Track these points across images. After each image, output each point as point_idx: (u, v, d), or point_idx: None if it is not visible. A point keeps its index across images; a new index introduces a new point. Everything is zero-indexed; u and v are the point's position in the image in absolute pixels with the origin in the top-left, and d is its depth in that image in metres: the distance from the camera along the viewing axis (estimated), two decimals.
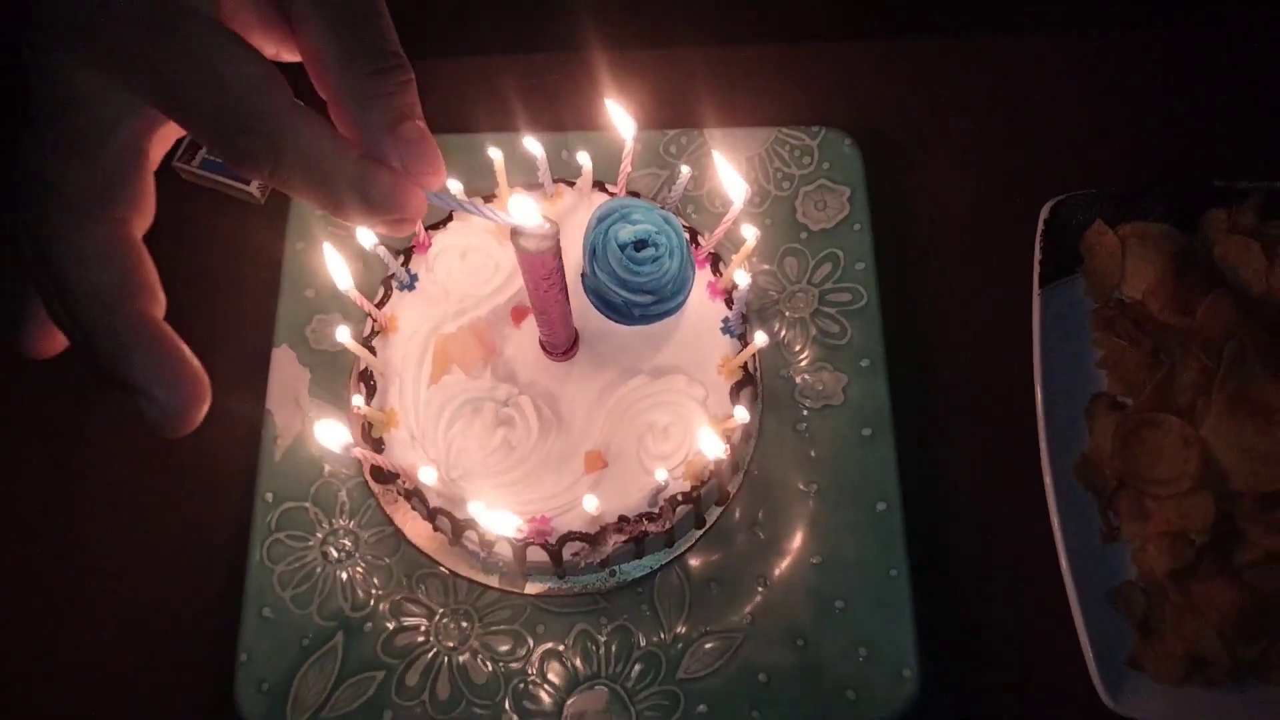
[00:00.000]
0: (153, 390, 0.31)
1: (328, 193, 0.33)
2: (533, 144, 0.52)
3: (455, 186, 0.53)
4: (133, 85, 0.31)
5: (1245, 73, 0.66)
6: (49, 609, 0.56)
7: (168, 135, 0.33)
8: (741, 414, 0.48)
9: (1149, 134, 0.65)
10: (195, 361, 0.33)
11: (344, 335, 0.49)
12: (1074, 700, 0.51)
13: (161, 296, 0.33)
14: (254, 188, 0.64)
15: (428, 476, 0.49)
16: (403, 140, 0.33)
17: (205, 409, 0.33)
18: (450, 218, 0.56)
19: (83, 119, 0.31)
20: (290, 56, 0.35)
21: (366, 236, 0.50)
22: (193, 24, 0.30)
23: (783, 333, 0.59)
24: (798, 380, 0.58)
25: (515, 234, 0.40)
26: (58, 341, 0.34)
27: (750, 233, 0.50)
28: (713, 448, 0.47)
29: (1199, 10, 0.67)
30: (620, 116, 0.51)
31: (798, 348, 0.59)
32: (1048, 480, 0.54)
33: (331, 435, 0.45)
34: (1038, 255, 0.58)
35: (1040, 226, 0.58)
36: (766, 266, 0.60)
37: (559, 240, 0.41)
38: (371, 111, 0.33)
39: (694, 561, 0.55)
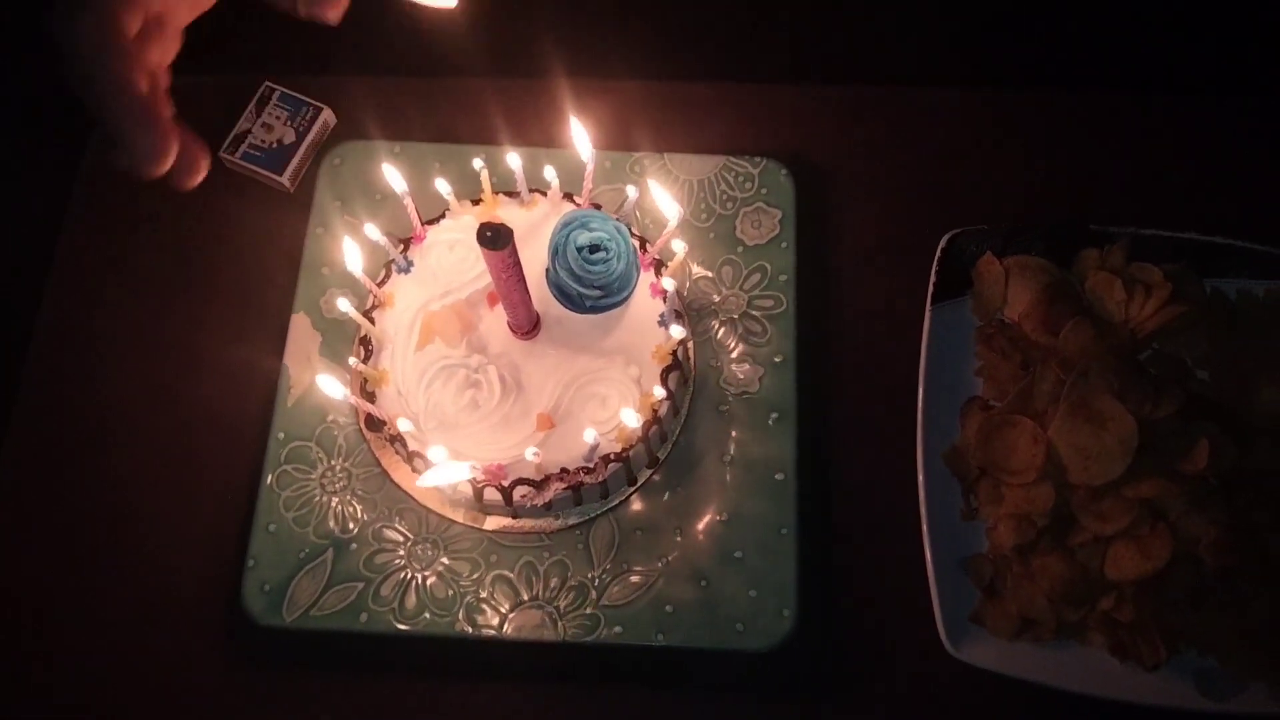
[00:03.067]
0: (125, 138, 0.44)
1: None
2: (513, 159, 0.64)
3: (445, 188, 0.65)
4: None
5: (1126, 131, 0.76)
6: (91, 517, 0.68)
7: None
8: (659, 391, 0.59)
9: (1038, 181, 0.74)
10: (166, 118, 0.45)
11: (345, 305, 0.61)
12: (923, 646, 0.61)
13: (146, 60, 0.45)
14: (285, 179, 0.75)
15: (405, 425, 0.60)
16: None
17: (169, 162, 0.45)
18: (443, 215, 0.67)
19: None
20: None
21: (354, 262, 0.61)
22: None
23: (717, 329, 0.70)
24: (724, 370, 0.69)
25: (480, 233, 0.52)
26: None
27: (680, 246, 0.61)
28: (631, 419, 0.58)
29: (1093, 73, 0.77)
30: (581, 138, 0.62)
31: (729, 343, 0.70)
32: (920, 464, 0.64)
33: (331, 386, 0.57)
34: (933, 277, 0.68)
35: (938, 253, 0.69)
36: (708, 273, 0.71)
37: (514, 241, 0.53)
38: None
39: (625, 512, 0.66)
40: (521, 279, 0.57)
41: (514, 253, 0.54)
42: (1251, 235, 0.68)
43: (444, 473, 0.56)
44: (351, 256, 0.61)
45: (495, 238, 0.52)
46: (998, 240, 0.69)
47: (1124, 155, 0.75)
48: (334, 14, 0.50)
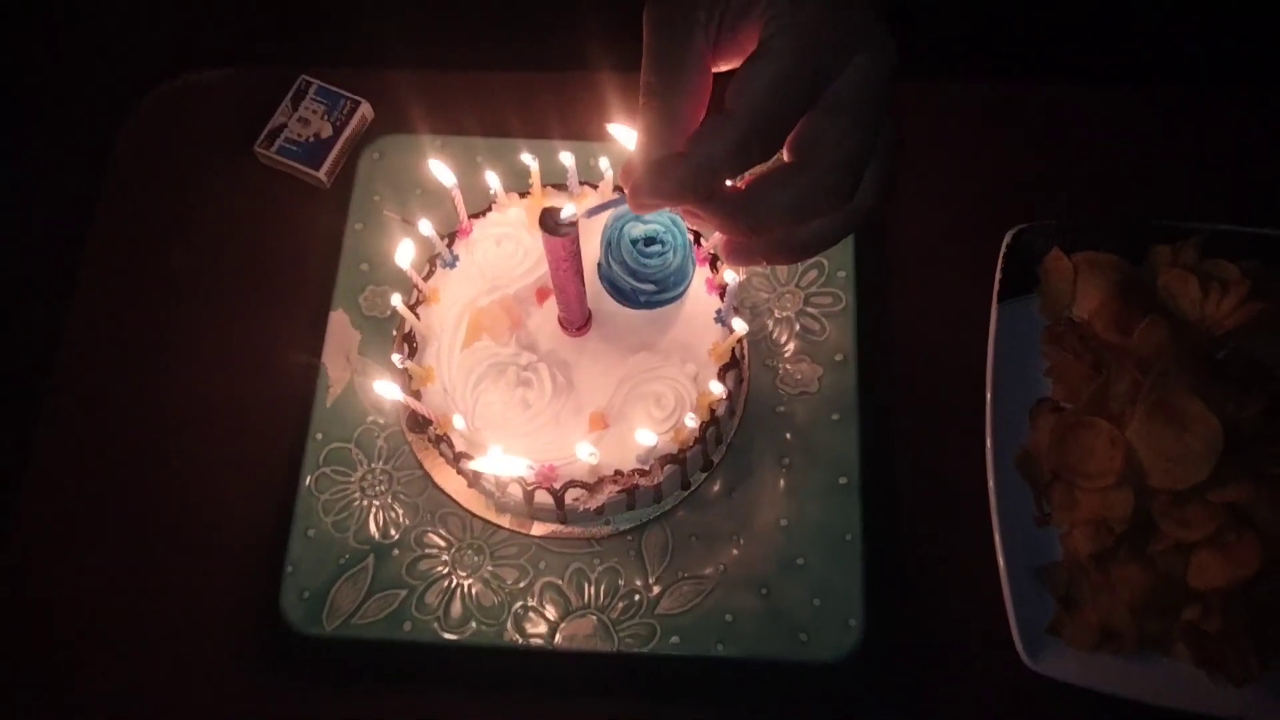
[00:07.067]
0: None
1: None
2: (566, 156, 0.61)
3: (495, 181, 0.62)
4: None
5: (1197, 126, 0.74)
6: (125, 523, 0.65)
7: None
8: (717, 387, 0.57)
9: (1108, 176, 0.72)
10: None
11: (396, 300, 0.59)
12: (998, 659, 0.59)
13: None
14: (322, 173, 0.73)
15: (458, 423, 0.58)
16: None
17: None
18: (490, 208, 0.65)
19: None
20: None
21: (405, 258, 0.59)
22: None
23: (772, 328, 0.68)
24: (780, 370, 0.66)
25: (543, 217, 0.49)
26: None
27: None
28: (691, 420, 0.55)
29: (1158, 68, 0.75)
30: (624, 136, 0.60)
31: (783, 341, 0.67)
32: (990, 468, 0.61)
33: (388, 389, 0.55)
34: (999, 274, 0.66)
35: (1003, 250, 0.66)
36: (762, 270, 0.69)
37: (578, 228, 0.50)
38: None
39: (678, 517, 0.63)
40: (580, 270, 0.55)
41: (576, 241, 0.52)
42: None
43: (501, 463, 0.54)
44: (404, 252, 0.59)
45: (558, 224, 0.49)
46: (1065, 236, 0.67)
47: (1194, 149, 0.73)
48: None
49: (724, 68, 0.42)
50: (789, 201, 0.41)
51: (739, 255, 0.46)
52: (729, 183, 0.42)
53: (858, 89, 0.40)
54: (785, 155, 0.42)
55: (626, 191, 0.43)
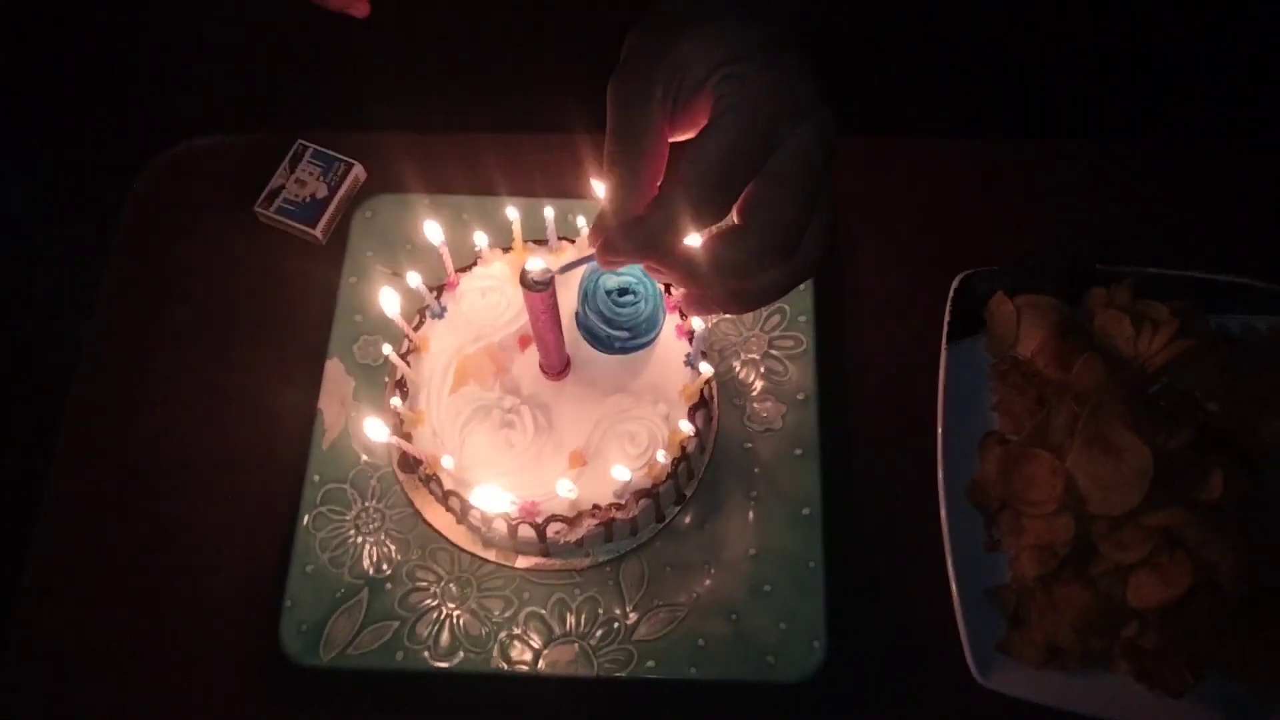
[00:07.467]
0: None
1: None
2: (547, 210, 0.66)
3: (482, 240, 0.67)
4: None
5: (1130, 177, 0.79)
6: (131, 561, 0.69)
7: None
8: (687, 426, 0.61)
9: (1047, 223, 0.77)
10: None
11: (388, 350, 0.63)
12: (951, 676, 0.62)
13: None
14: (318, 231, 0.78)
15: (448, 463, 0.62)
16: None
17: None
18: (475, 263, 0.70)
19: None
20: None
21: (391, 306, 0.63)
22: None
23: (739, 369, 0.72)
24: (747, 408, 0.71)
25: (523, 275, 0.54)
26: None
27: None
28: (662, 456, 0.60)
29: (1093, 122, 0.81)
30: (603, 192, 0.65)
31: (750, 381, 0.72)
32: (942, 498, 0.66)
33: (377, 429, 0.59)
34: (947, 317, 0.71)
35: (951, 294, 0.71)
36: (728, 316, 0.74)
37: (554, 284, 0.55)
38: None
39: (654, 548, 0.67)
40: (558, 320, 0.60)
41: (553, 295, 0.56)
42: (1254, 273, 0.71)
43: (490, 498, 0.58)
44: (388, 301, 0.63)
45: (535, 280, 0.54)
46: (1007, 281, 0.72)
47: (1127, 198, 0.78)
48: (362, 9, 0.53)
49: (680, 138, 0.47)
50: (737, 259, 0.46)
51: (697, 305, 0.51)
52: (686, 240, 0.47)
53: (797, 158, 0.45)
54: (735, 217, 0.47)
55: (595, 249, 0.48)
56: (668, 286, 0.68)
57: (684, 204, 0.44)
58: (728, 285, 0.48)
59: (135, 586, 0.68)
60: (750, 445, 0.70)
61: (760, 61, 0.45)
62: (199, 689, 0.65)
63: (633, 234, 0.46)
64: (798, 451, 0.69)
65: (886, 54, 0.89)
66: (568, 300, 0.65)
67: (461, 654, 0.64)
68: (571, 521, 0.62)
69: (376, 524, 0.68)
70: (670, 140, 0.47)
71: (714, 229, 0.47)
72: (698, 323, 0.63)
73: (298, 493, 0.68)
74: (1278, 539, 0.63)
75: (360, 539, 0.68)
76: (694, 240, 0.47)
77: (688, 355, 0.66)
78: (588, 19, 0.75)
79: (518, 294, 0.67)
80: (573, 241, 0.70)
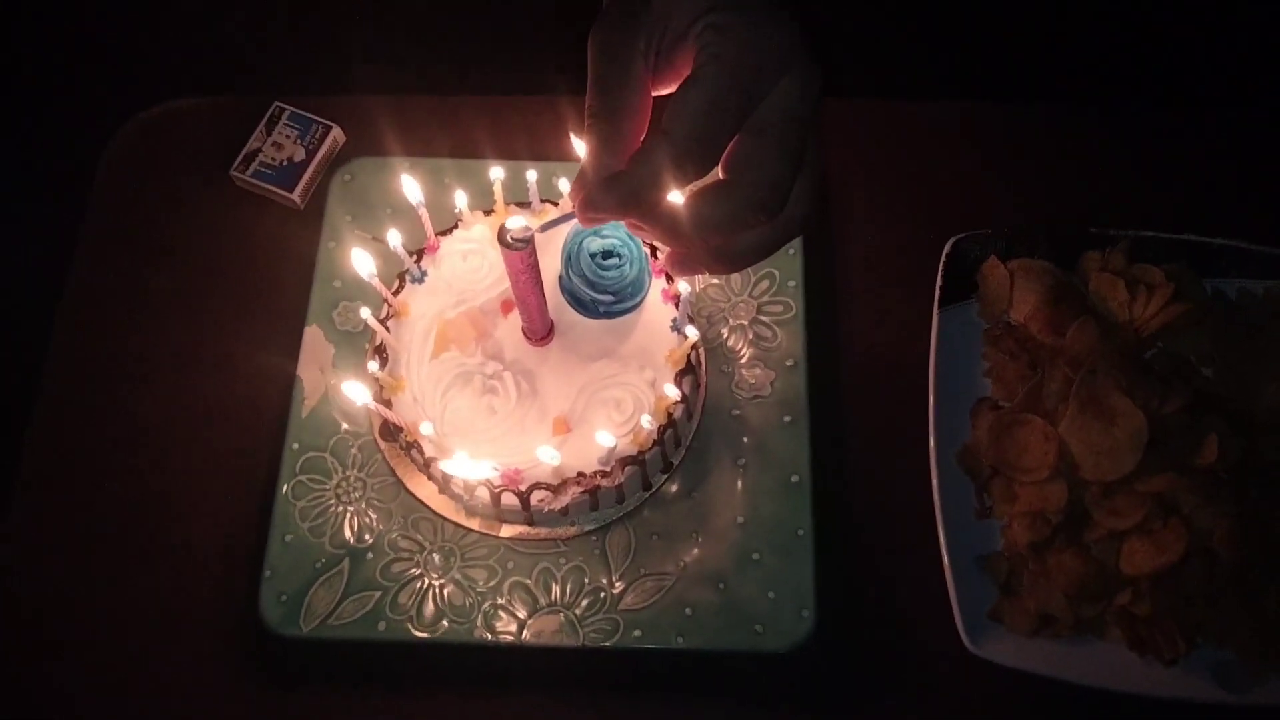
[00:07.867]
0: None
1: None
2: (530, 172, 0.65)
3: (461, 200, 0.66)
4: None
5: (1125, 141, 0.78)
6: (107, 531, 0.68)
7: None
8: (673, 391, 0.60)
9: (1041, 187, 0.76)
10: None
11: (366, 314, 0.62)
12: (942, 645, 0.62)
13: None
14: (296, 195, 0.76)
15: (427, 429, 0.61)
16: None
17: None
18: (456, 225, 0.68)
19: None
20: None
21: (365, 267, 0.62)
22: None
23: (727, 335, 0.71)
24: (735, 375, 0.70)
25: (501, 233, 0.53)
26: None
27: None
28: (648, 422, 0.59)
29: (1088, 87, 0.79)
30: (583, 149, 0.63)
31: (738, 347, 0.71)
32: (933, 464, 0.65)
33: (357, 392, 0.58)
34: (939, 282, 0.69)
35: (943, 259, 0.70)
36: (717, 281, 0.72)
37: (534, 242, 0.54)
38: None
39: (641, 517, 0.66)
40: (539, 281, 0.58)
41: (533, 254, 0.55)
42: (1249, 236, 0.70)
43: (468, 466, 0.57)
44: (361, 262, 0.61)
45: (513, 239, 0.52)
46: (1001, 244, 0.71)
47: (1121, 161, 0.77)
48: None
49: (662, 91, 0.46)
50: (721, 216, 0.44)
51: (681, 265, 0.49)
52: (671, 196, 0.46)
53: (783, 112, 0.44)
54: (719, 172, 0.46)
55: (575, 205, 0.47)
56: (654, 249, 0.67)
57: (666, 157, 0.43)
58: (712, 243, 0.46)
59: (113, 556, 0.67)
60: (739, 412, 0.68)
61: (744, 12, 0.43)
62: (178, 659, 0.64)
63: (613, 189, 0.44)
64: (787, 419, 0.68)
65: (879, 16, 0.87)
66: (550, 263, 0.64)
67: (445, 624, 0.63)
68: (556, 489, 0.61)
69: (358, 493, 0.67)
70: (653, 94, 0.46)
71: (698, 184, 0.45)
72: (684, 286, 0.62)
73: (277, 461, 0.67)
74: (1272, 505, 0.62)
75: (341, 508, 0.66)
76: (677, 197, 0.46)
77: (674, 320, 0.65)
78: None
79: (499, 258, 0.66)
80: (556, 204, 0.68)
